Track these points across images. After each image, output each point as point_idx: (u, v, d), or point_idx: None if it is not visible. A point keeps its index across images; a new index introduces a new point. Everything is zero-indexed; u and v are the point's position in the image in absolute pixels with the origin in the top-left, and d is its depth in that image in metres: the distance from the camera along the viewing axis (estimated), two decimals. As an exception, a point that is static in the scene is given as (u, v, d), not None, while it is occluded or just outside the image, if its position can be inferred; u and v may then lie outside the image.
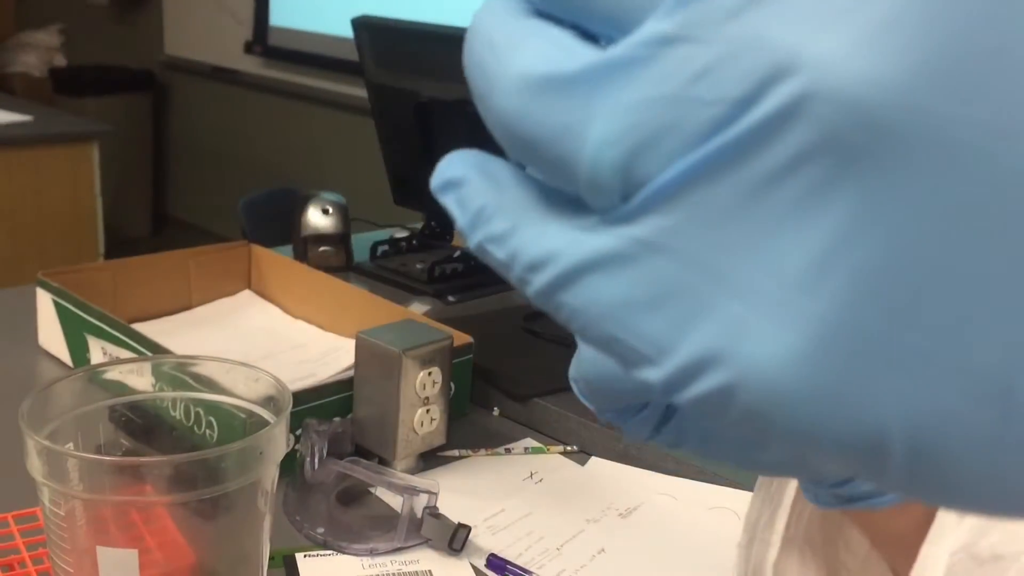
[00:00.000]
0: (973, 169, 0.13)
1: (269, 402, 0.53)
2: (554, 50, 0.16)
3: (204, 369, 0.57)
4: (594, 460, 0.87)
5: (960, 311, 0.13)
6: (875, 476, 0.15)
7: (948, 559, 0.32)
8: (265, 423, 0.52)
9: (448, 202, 0.18)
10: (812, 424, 0.14)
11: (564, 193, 0.16)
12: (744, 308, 0.14)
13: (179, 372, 0.58)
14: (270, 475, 0.51)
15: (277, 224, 1.50)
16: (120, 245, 3.03)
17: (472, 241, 0.18)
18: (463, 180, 0.18)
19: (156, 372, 0.59)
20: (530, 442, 0.91)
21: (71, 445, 0.52)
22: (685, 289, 0.15)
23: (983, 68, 0.13)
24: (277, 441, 0.49)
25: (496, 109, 0.16)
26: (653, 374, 0.15)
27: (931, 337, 0.13)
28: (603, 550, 0.74)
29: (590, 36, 0.16)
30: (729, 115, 0.14)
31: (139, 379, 0.60)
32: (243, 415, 0.56)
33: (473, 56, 0.17)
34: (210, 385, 0.58)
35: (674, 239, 0.15)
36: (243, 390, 0.55)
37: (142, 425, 0.67)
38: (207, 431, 0.63)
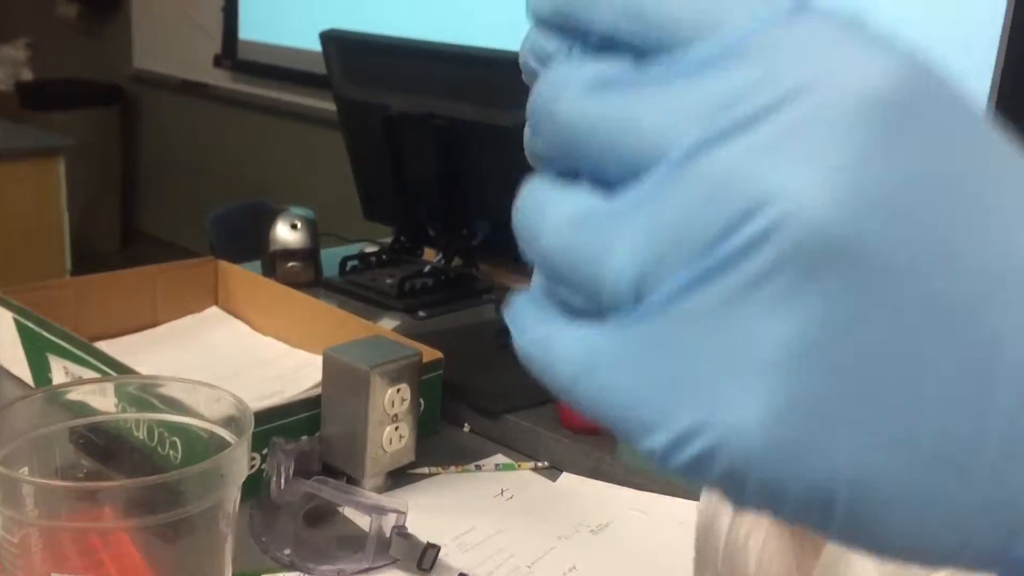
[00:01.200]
0: (905, 284, 0.17)
1: (231, 422, 0.52)
2: (581, 201, 0.20)
3: (167, 389, 0.56)
4: (565, 476, 0.87)
5: (895, 395, 0.17)
6: (823, 527, 0.18)
7: None
8: (227, 444, 0.51)
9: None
10: (776, 480, 0.18)
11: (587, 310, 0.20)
12: (725, 387, 0.18)
13: (142, 392, 0.57)
14: (231, 497, 0.50)
15: (246, 239, 1.48)
16: (89, 259, 3.00)
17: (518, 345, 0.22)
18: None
19: (118, 392, 0.58)
20: (501, 458, 0.90)
21: (26, 469, 0.50)
22: (678, 374, 0.18)
23: (914, 209, 0.17)
24: (239, 463, 0.48)
25: (542, 249, 0.21)
26: (654, 442, 0.19)
27: (872, 414, 0.17)
28: (574, 567, 0.73)
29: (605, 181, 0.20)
30: (718, 237, 0.17)
31: (101, 399, 0.59)
32: (206, 435, 0.55)
33: (523, 218, 0.22)
34: (173, 405, 0.57)
35: (671, 335, 0.18)
36: (205, 410, 0.54)
37: (102, 446, 0.66)
38: (171, 451, 0.61)
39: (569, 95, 0.20)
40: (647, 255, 0.18)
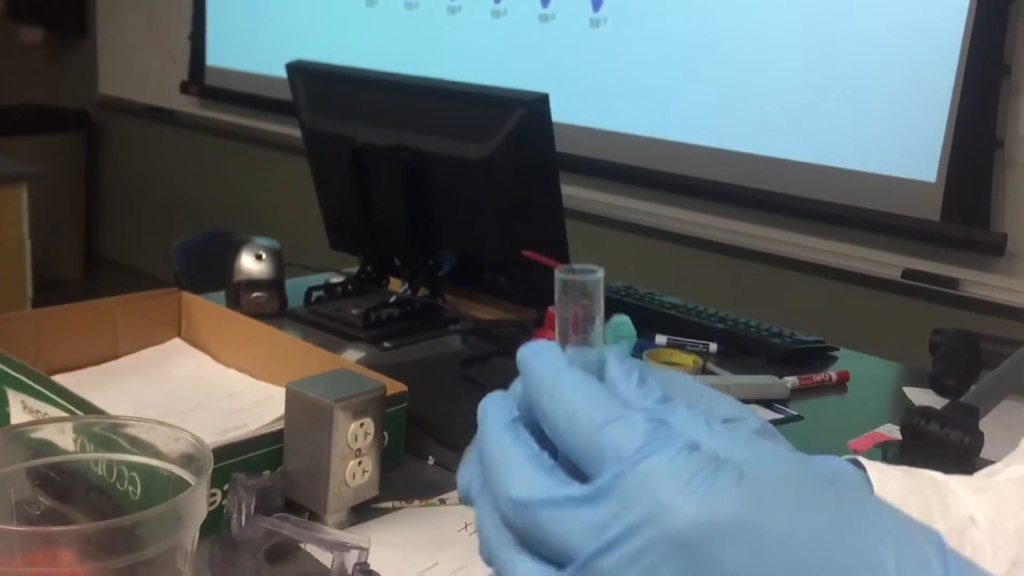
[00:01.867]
0: None
1: (190, 462, 0.52)
2: (534, 478, 0.31)
3: (127, 428, 0.56)
4: (529, 509, 0.87)
5: None
6: None
7: None
8: (186, 484, 0.51)
9: None
10: None
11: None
12: None
13: (102, 431, 0.57)
14: (190, 537, 0.49)
15: (211, 268, 1.47)
16: (50, 287, 2.96)
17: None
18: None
19: (78, 430, 0.58)
20: (465, 492, 0.90)
21: (-20, 510, 0.50)
22: None
23: (759, 546, 0.27)
24: (197, 504, 0.48)
25: (499, 507, 0.32)
26: None
27: None
28: (537, 603, 0.73)
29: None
30: (617, 539, 0.28)
31: (60, 437, 0.58)
32: (167, 474, 0.55)
33: (484, 459, 0.33)
34: (134, 443, 0.56)
35: None
36: (164, 449, 0.54)
37: (60, 484, 0.65)
38: (130, 488, 0.61)
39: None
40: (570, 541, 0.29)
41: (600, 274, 0.34)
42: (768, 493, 0.28)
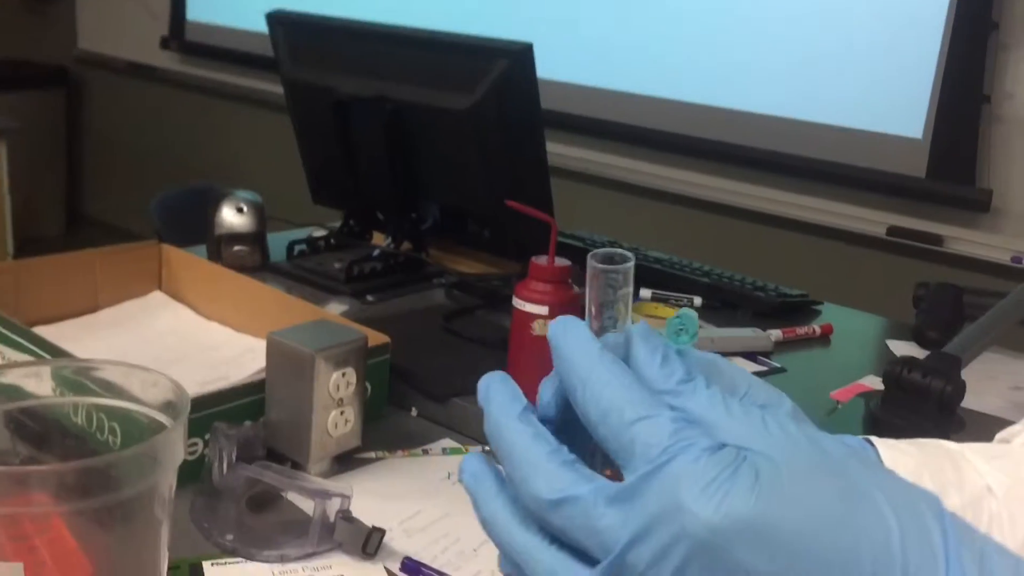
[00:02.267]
0: None
1: (168, 407, 0.52)
2: (561, 476, 0.32)
3: (103, 373, 0.55)
4: (512, 459, 0.87)
5: None
6: None
7: None
8: (165, 429, 0.50)
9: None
10: None
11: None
12: None
13: (78, 376, 0.56)
14: (167, 481, 0.49)
15: (192, 223, 1.46)
16: (33, 244, 2.93)
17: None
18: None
19: (56, 376, 0.57)
20: (448, 443, 0.90)
21: (-46, 455, 0.49)
22: None
23: (773, 544, 0.29)
24: (174, 447, 0.48)
25: (525, 502, 0.33)
26: None
27: None
28: (520, 550, 0.73)
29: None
30: (644, 535, 0.30)
31: (37, 383, 0.57)
32: (145, 420, 0.54)
33: (501, 451, 0.34)
34: (110, 389, 0.56)
35: None
36: (141, 394, 0.53)
37: (38, 432, 0.64)
38: (110, 437, 0.60)
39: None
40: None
41: (632, 262, 0.36)
42: (781, 490, 0.30)
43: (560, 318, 0.35)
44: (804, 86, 2.15)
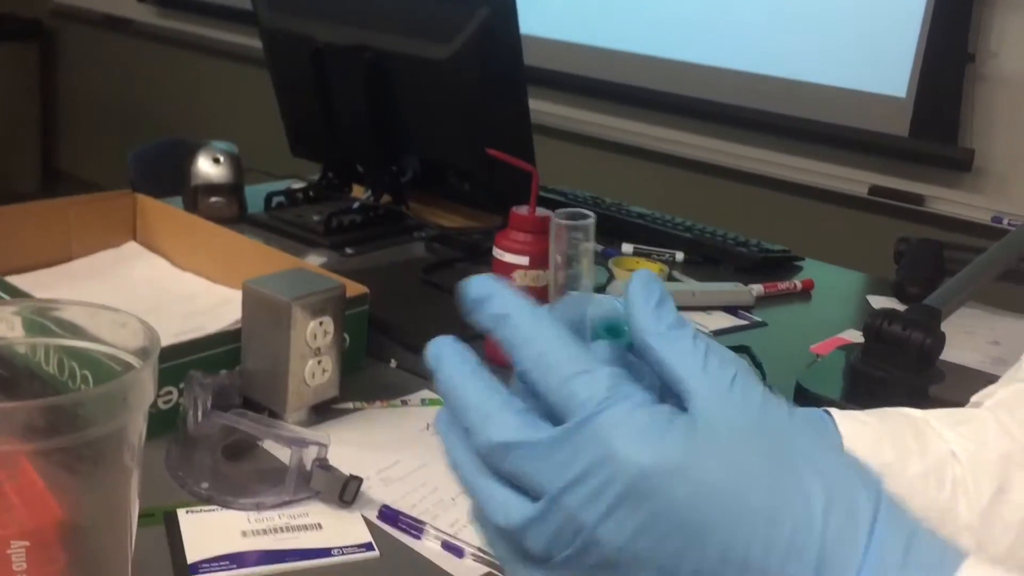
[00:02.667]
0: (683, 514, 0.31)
1: (138, 348, 0.50)
2: (511, 423, 0.34)
3: (69, 314, 0.54)
4: (491, 410, 0.86)
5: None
6: None
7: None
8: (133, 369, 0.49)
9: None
10: None
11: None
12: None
13: (42, 317, 0.55)
14: (136, 426, 0.48)
15: (168, 177, 1.43)
16: (6, 200, 2.88)
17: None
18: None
19: (24, 321, 0.56)
20: (427, 394, 0.89)
21: (-83, 396, 0.48)
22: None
23: (698, 490, 0.31)
24: (143, 387, 0.46)
25: (477, 446, 0.35)
26: None
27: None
28: (498, 499, 0.73)
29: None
30: (578, 479, 0.32)
31: (6, 328, 0.56)
32: (118, 366, 0.53)
33: (458, 406, 0.36)
34: (76, 331, 0.54)
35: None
36: (109, 335, 0.52)
37: (8, 378, 0.63)
38: (82, 385, 0.59)
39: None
40: (542, 552, 0.33)
41: (593, 219, 0.38)
42: (715, 444, 0.32)
43: (490, 284, 0.37)
44: (788, 43, 2.13)
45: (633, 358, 0.38)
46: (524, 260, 0.88)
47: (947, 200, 2.01)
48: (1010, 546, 0.42)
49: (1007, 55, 1.91)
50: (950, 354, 0.89)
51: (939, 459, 0.44)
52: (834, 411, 0.44)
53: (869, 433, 0.43)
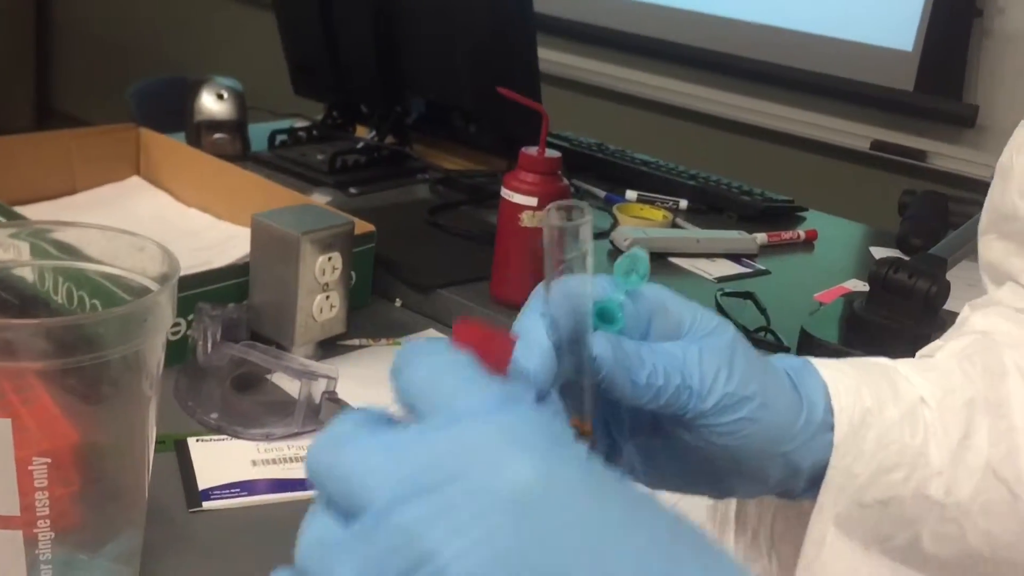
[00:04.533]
0: None
1: (156, 273, 0.50)
2: (326, 525, 0.27)
3: (80, 237, 0.53)
4: (497, 350, 0.87)
5: None
6: None
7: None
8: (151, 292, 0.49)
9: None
10: None
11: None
12: None
13: (49, 244, 0.54)
14: (155, 352, 0.48)
15: (170, 114, 1.42)
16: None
17: None
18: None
19: (34, 247, 0.55)
20: (432, 333, 0.89)
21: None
22: None
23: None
24: (162, 311, 0.47)
25: (298, 555, 0.27)
26: None
27: None
28: (504, 436, 0.74)
29: None
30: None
31: (17, 253, 0.56)
32: (132, 294, 0.53)
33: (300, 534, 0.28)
34: (86, 258, 0.54)
35: None
36: (127, 261, 0.52)
37: (18, 306, 0.63)
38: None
39: (327, 444, 0.27)
40: None
41: (590, 218, 0.34)
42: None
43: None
44: (796, -6, 2.11)
45: (629, 346, 0.37)
46: (533, 201, 0.87)
47: (950, 156, 2.00)
48: (973, 491, 0.43)
49: (1013, 11, 1.89)
50: (952, 304, 0.89)
51: (911, 405, 0.44)
52: (813, 359, 0.45)
53: (849, 380, 0.44)
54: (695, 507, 0.47)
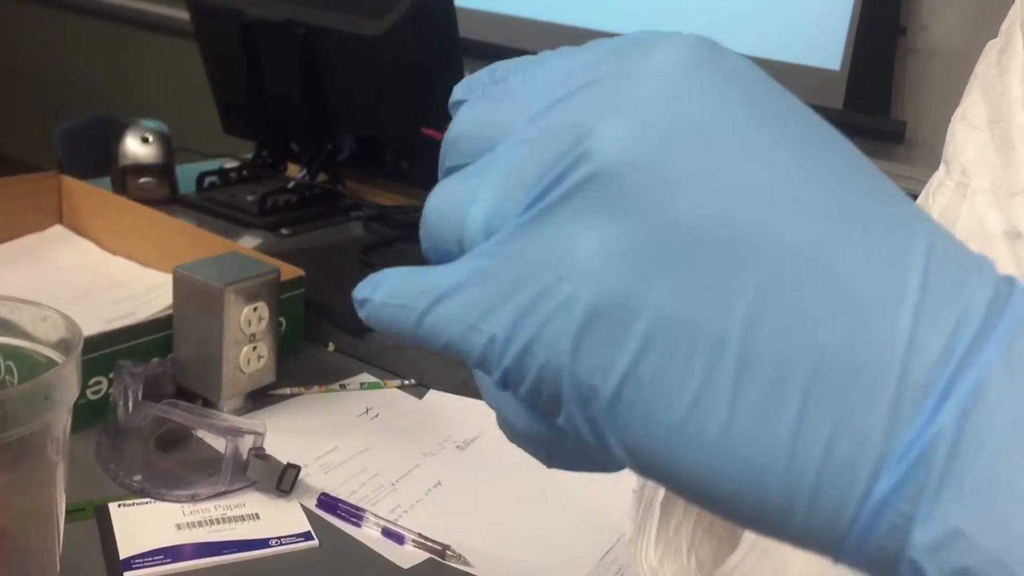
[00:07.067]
0: (676, 198, 0.21)
1: (60, 342, 0.48)
2: (456, 175, 0.25)
3: (-12, 309, 0.51)
4: (432, 393, 0.86)
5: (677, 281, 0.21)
6: (592, 430, 0.22)
7: None
8: (56, 365, 0.47)
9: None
10: (587, 374, 0.21)
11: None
12: (551, 281, 0.21)
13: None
14: (60, 421, 0.46)
15: (97, 155, 1.39)
16: (-74, 181, 2.78)
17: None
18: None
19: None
20: (366, 377, 0.88)
21: None
22: (509, 287, 0.22)
23: (676, 161, 0.21)
24: (66, 383, 0.45)
25: (426, 215, 0.25)
26: (483, 346, 0.23)
27: (664, 297, 0.21)
28: (439, 483, 0.72)
29: None
30: (545, 171, 0.22)
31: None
32: (42, 359, 0.51)
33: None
34: (2, 325, 0.52)
35: (508, 257, 0.22)
36: (31, 329, 0.50)
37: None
38: (7, 377, 0.57)
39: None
40: (495, 199, 0.23)
41: None
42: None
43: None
44: (723, 16, 2.14)
45: None
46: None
47: (882, 171, 2.04)
48: None
49: (936, 28, 1.93)
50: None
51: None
52: None
53: None
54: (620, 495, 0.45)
